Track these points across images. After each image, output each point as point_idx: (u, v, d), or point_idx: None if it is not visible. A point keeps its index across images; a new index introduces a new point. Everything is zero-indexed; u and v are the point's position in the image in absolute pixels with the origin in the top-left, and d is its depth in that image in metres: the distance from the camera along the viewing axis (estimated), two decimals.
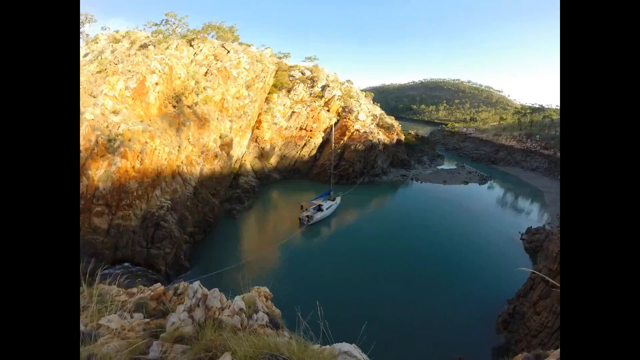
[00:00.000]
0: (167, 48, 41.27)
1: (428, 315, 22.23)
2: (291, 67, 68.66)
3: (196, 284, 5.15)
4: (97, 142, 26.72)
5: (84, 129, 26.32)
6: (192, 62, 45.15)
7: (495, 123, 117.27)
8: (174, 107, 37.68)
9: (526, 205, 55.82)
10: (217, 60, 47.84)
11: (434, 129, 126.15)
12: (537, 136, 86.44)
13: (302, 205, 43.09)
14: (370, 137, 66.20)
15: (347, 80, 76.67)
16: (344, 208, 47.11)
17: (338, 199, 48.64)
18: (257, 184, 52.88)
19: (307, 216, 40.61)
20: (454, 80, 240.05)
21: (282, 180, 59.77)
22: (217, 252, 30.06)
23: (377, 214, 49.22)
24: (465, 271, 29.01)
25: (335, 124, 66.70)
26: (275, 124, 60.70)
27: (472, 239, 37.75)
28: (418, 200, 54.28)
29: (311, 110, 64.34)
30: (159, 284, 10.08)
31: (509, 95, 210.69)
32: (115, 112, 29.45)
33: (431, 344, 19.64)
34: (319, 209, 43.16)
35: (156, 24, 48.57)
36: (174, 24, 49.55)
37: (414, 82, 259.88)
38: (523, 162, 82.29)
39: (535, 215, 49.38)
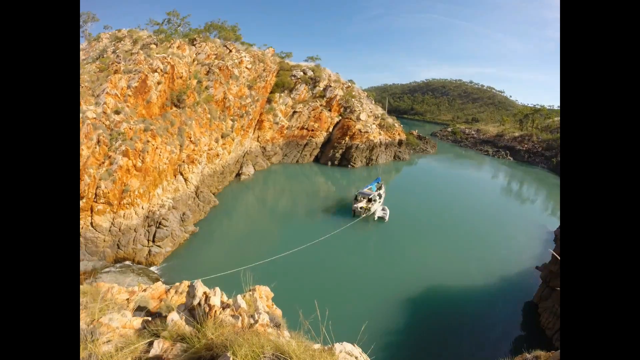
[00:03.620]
0: (169, 47, 41.32)
1: (435, 315, 21.94)
2: (293, 66, 68.61)
3: (197, 282, 5.17)
4: (98, 140, 26.78)
5: (85, 128, 26.36)
6: (194, 60, 45.18)
7: (497, 124, 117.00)
8: (176, 105, 37.73)
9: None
10: (219, 59, 47.88)
11: (435, 130, 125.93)
12: (539, 137, 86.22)
13: (356, 196, 41.00)
14: (371, 137, 66.30)
15: (349, 80, 76.61)
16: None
17: (384, 188, 46.09)
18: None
19: (362, 207, 38.61)
20: (456, 80, 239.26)
21: (282, 164, 61.20)
22: (219, 251, 29.92)
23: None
24: (478, 266, 28.29)
25: (337, 123, 66.77)
26: (277, 123, 60.73)
27: (484, 230, 37.23)
28: (425, 186, 55.42)
29: (313, 110, 64.38)
30: (160, 282, 10.13)
31: (510, 96, 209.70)
32: (117, 111, 29.51)
33: (436, 345, 19.44)
34: (373, 199, 40.76)
35: (158, 23, 48.67)
36: (176, 23, 49.68)
37: (416, 82, 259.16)
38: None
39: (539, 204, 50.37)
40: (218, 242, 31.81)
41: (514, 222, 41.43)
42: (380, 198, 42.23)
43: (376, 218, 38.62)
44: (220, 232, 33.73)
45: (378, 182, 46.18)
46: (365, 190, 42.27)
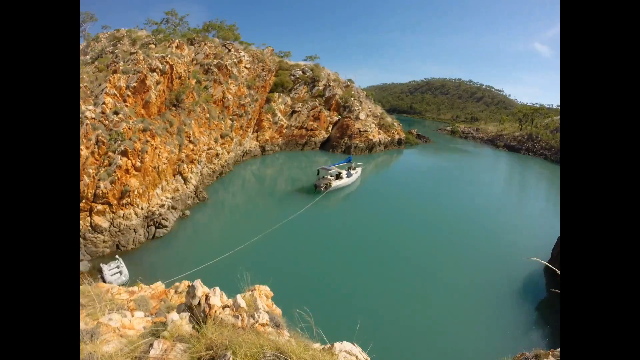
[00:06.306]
0: (168, 47, 41.27)
1: (436, 309, 21.67)
2: (292, 66, 68.64)
3: (197, 282, 5.16)
4: (97, 140, 26.73)
5: (84, 128, 26.32)
6: (192, 60, 45.14)
7: (496, 123, 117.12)
8: (175, 105, 37.69)
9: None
10: (218, 58, 47.83)
11: (435, 129, 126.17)
12: (538, 136, 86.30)
13: (318, 171, 41.26)
14: (370, 137, 66.40)
15: (348, 80, 76.66)
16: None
17: (359, 170, 45.93)
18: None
19: (325, 184, 38.61)
20: (455, 79, 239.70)
21: (281, 152, 61.93)
22: (218, 248, 29.51)
23: (388, 184, 48.85)
24: (483, 257, 27.68)
25: (336, 122, 66.78)
26: (276, 122, 60.74)
27: (486, 217, 36.67)
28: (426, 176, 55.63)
29: (312, 109, 64.42)
30: (159, 282, 10.13)
31: (509, 95, 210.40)
32: (116, 111, 29.45)
33: (438, 344, 19.27)
34: (338, 176, 41.00)
35: (157, 23, 48.59)
36: (174, 22, 49.58)
37: (415, 81, 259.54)
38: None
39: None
40: (210, 226, 32.17)
41: (515, 211, 41.14)
42: (348, 177, 42.54)
43: (329, 190, 39.01)
44: (212, 215, 34.12)
45: (349, 162, 46.08)
46: (328, 167, 42.38)
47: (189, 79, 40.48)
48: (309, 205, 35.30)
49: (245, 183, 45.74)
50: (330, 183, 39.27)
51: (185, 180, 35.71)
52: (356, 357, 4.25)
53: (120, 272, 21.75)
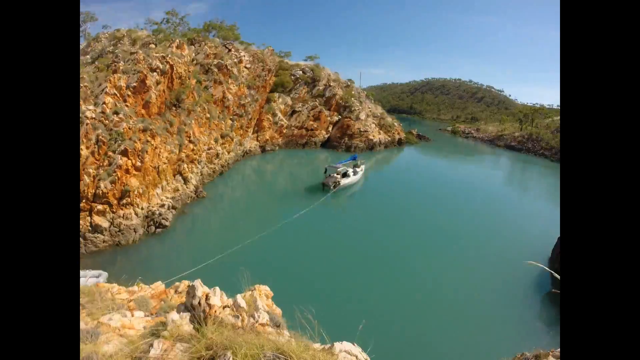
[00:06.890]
0: (169, 47, 41.28)
1: (437, 308, 21.58)
2: (292, 65, 68.63)
3: (197, 282, 5.16)
4: (97, 140, 26.75)
5: (84, 128, 26.33)
6: (193, 60, 45.16)
7: (496, 123, 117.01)
8: (175, 105, 37.70)
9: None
10: (218, 58, 47.85)
11: (435, 129, 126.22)
12: (539, 137, 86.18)
13: (326, 169, 41.38)
14: (371, 137, 66.40)
15: (348, 80, 76.64)
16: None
17: (363, 167, 46.26)
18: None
19: (334, 182, 38.66)
20: (455, 79, 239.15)
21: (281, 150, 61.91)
22: (218, 246, 29.44)
23: (391, 182, 48.57)
24: (485, 254, 27.46)
25: (337, 123, 66.77)
26: (276, 123, 60.74)
27: (487, 216, 36.35)
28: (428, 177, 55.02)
29: (312, 109, 64.42)
30: (159, 282, 10.13)
31: (509, 95, 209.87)
32: (116, 111, 29.46)
33: (439, 346, 19.20)
34: (345, 174, 41.28)
35: (157, 23, 48.62)
36: (174, 22, 49.62)
37: (415, 81, 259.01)
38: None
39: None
40: (209, 223, 32.19)
41: (517, 210, 40.77)
42: (355, 175, 42.72)
43: (337, 188, 38.95)
44: (212, 211, 34.28)
45: (354, 159, 46.26)
46: (336, 165, 42.19)
47: (189, 79, 40.48)
48: (316, 203, 35.01)
49: (245, 179, 45.93)
50: (338, 181, 39.25)
51: (185, 180, 35.73)
52: (356, 357, 4.25)
53: (98, 276, 21.14)
